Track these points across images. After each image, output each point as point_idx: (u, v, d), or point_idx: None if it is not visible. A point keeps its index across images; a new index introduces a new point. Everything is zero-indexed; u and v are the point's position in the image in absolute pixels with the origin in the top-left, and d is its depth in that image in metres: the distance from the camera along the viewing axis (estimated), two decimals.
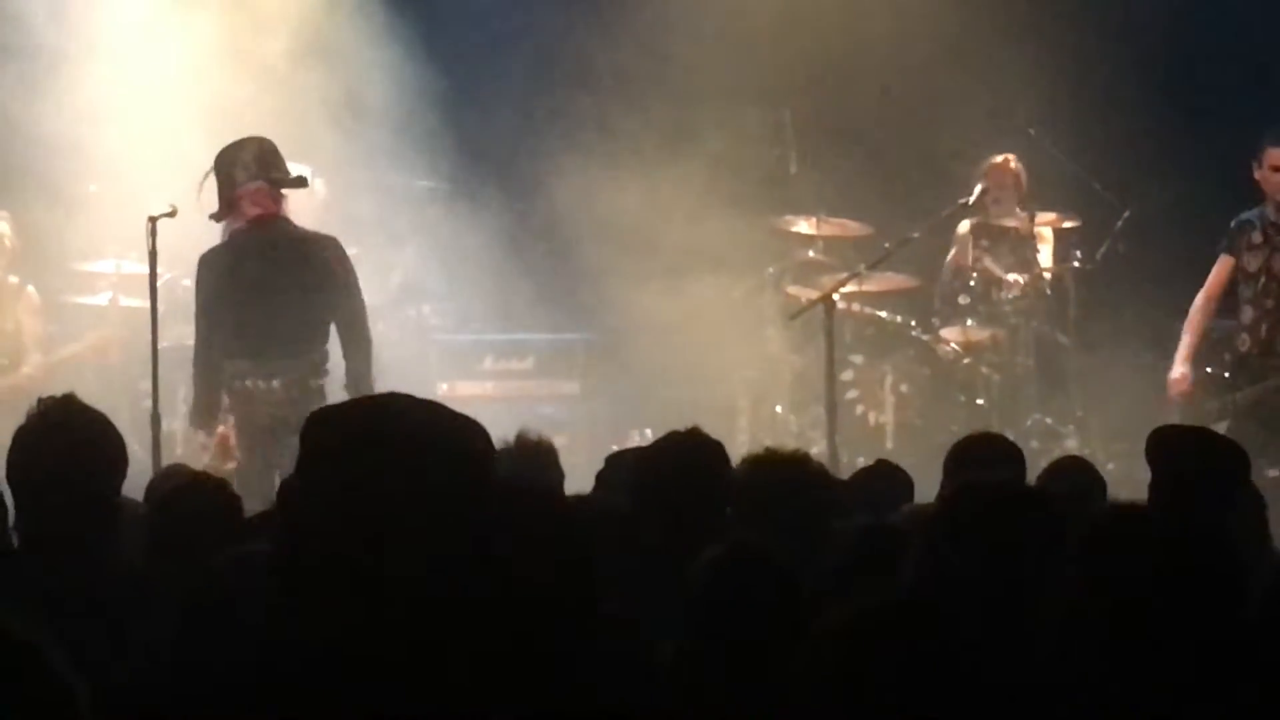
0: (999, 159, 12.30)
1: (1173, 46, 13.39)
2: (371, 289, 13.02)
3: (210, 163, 9.75)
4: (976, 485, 4.44)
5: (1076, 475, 6.51)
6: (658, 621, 4.43)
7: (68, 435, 4.83)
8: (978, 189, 11.94)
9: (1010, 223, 12.28)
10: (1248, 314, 10.73)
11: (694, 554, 4.59)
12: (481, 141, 13.44)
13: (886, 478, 6.75)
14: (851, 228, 12.94)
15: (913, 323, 12.66)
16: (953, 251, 12.54)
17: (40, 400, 4.95)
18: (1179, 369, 10.88)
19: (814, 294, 11.98)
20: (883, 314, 12.73)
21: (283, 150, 12.25)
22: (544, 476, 6.00)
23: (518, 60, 13.48)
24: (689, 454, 5.67)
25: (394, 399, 2.89)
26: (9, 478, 4.87)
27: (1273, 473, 9.70)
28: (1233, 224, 10.88)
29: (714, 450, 5.72)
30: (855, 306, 12.56)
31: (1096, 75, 12.97)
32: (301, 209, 12.55)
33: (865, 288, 12.36)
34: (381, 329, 13.09)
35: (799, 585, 4.38)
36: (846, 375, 12.43)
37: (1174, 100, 13.30)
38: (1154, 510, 5.05)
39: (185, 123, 11.51)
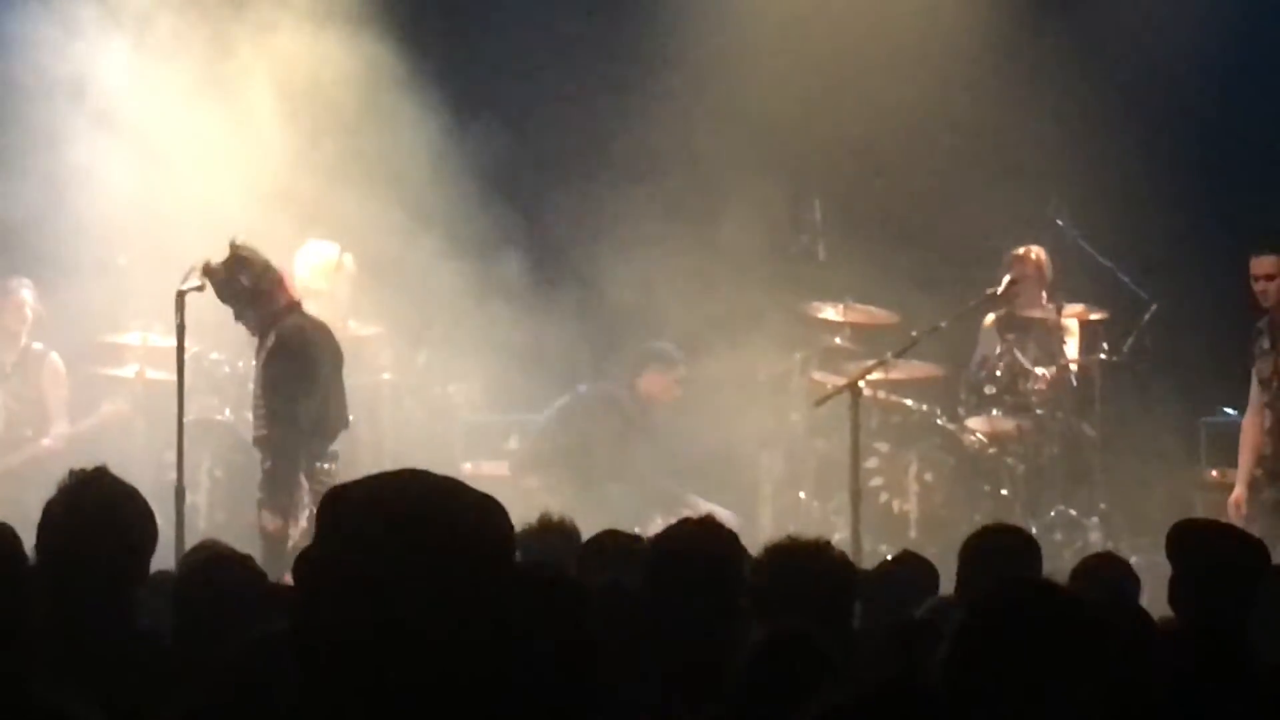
0: (1025, 250, 12.30)
1: (1205, 139, 13.41)
2: (398, 367, 13.11)
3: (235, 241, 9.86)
4: (1009, 585, 4.40)
5: (1108, 572, 6.46)
6: (670, 705, 4.41)
7: (99, 508, 4.84)
8: (1005, 280, 11.93)
9: (1037, 314, 12.27)
10: (1269, 418, 10.81)
11: (708, 639, 4.56)
12: (509, 223, 13.45)
13: (912, 569, 6.72)
14: (878, 315, 12.94)
15: (938, 412, 12.64)
16: (979, 341, 12.53)
17: (71, 472, 4.96)
18: (1238, 490, 10.94)
19: (840, 380, 11.97)
20: (908, 402, 12.71)
21: (311, 227, 12.36)
22: (565, 558, 5.98)
23: (548, 145, 13.52)
24: (702, 541, 5.63)
25: (414, 476, 2.87)
26: (40, 550, 4.88)
27: None
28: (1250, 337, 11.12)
29: (727, 539, 5.68)
30: (881, 394, 12.55)
31: (1126, 167, 12.97)
32: (333, 287, 12.65)
33: (891, 375, 12.34)
34: (408, 407, 13.16)
35: (839, 669, 4.36)
36: (871, 463, 12.40)
37: (1204, 193, 13.31)
38: (1174, 605, 5.02)
39: (215, 197, 11.57)
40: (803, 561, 5.56)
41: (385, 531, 2.77)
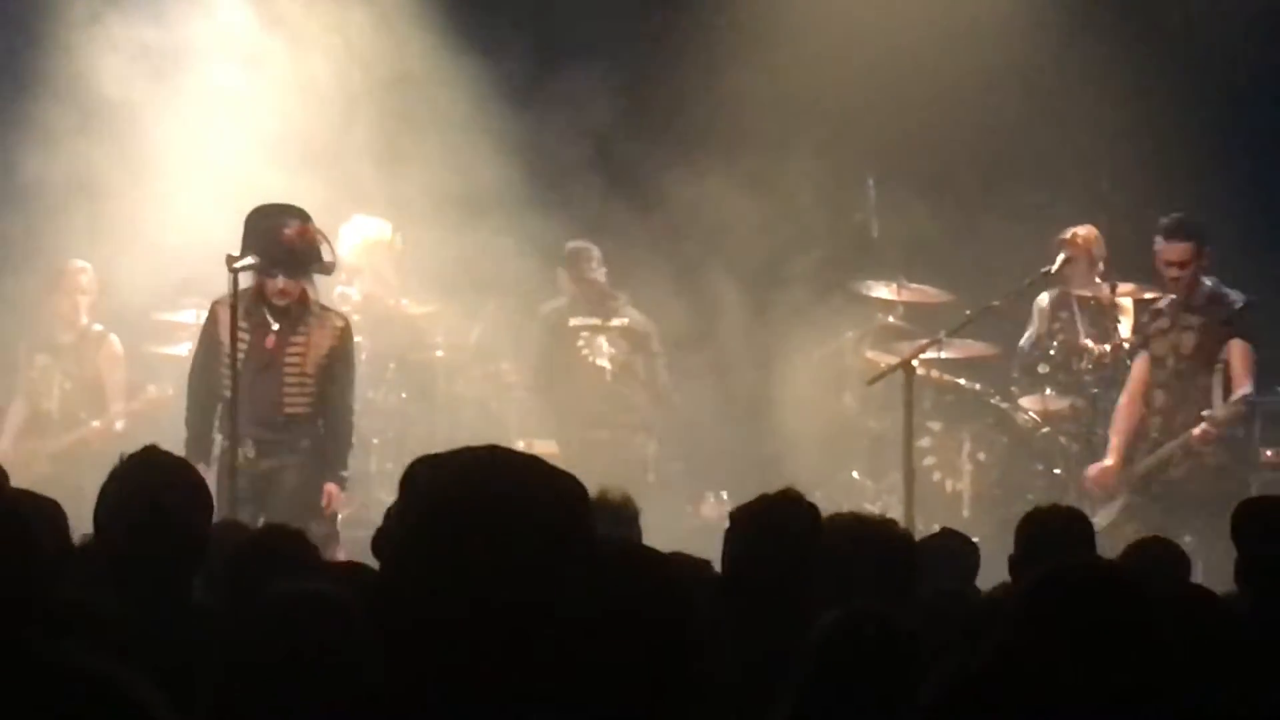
0: (1080, 230, 12.24)
1: (1266, 115, 13.34)
2: (451, 345, 13.13)
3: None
4: (1068, 569, 4.39)
5: (1159, 553, 6.43)
6: (749, 685, 4.39)
7: (153, 486, 4.86)
8: (1059, 259, 11.88)
9: (1091, 293, 12.22)
10: (1159, 398, 10.89)
11: (787, 617, 4.53)
12: (562, 198, 13.46)
13: (953, 546, 6.70)
14: (932, 294, 12.91)
15: (992, 391, 12.60)
16: (1033, 320, 12.49)
17: (122, 455, 4.99)
18: (1111, 461, 11.08)
19: (893, 359, 11.94)
20: (962, 381, 12.68)
21: (362, 204, 12.37)
22: (626, 536, 5.96)
23: (600, 119, 13.50)
24: (783, 516, 5.59)
25: (495, 453, 2.87)
26: (97, 530, 4.91)
27: (1188, 539, 9.76)
28: (1140, 320, 11.37)
29: (809, 513, 5.65)
30: (934, 373, 12.52)
31: (1182, 144, 12.90)
32: (382, 264, 12.68)
33: (945, 354, 12.31)
34: (461, 384, 13.18)
35: (920, 648, 4.32)
36: (924, 442, 12.37)
37: (1262, 170, 13.25)
38: (1239, 583, 4.99)
39: (270, 175, 11.61)
40: (867, 537, 5.53)
41: (469, 507, 2.78)
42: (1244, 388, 10.76)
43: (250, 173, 11.88)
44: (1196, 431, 10.75)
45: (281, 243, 9.70)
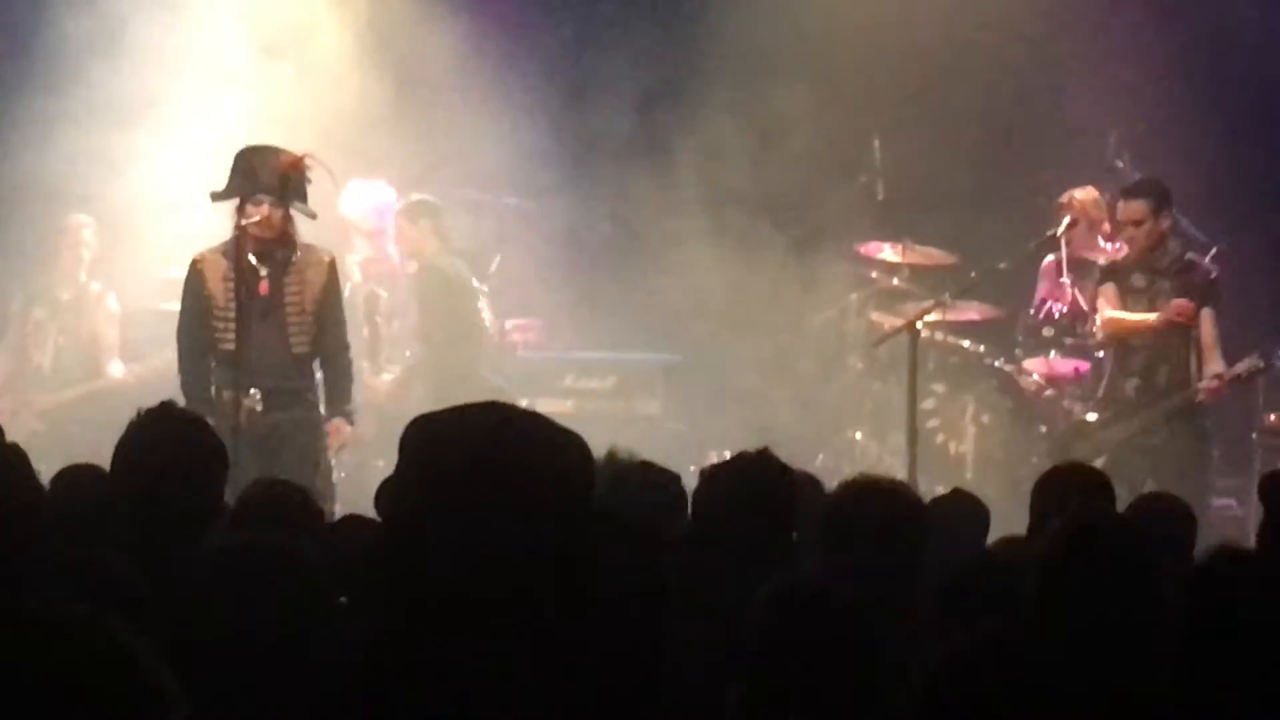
0: (1077, 193, 12.23)
1: (1267, 82, 13.32)
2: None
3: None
4: (1087, 520, 4.42)
5: (1163, 509, 6.44)
6: (710, 639, 4.39)
7: (172, 442, 4.88)
8: (1065, 221, 11.87)
9: (1096, 256, 12.22)
10: (1136, 360, 11.08)
11: (750, 573, 4.53)
12: (569, 161, 13.47)
13: (963, 507, 6.71)
14: (937, 256, 12.89)
15: (996, 353, 12.61)
16: (1038, 283, 12.48)
17: (139, 410, 5.00)
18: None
19: (898, 321, 11.95)
20: (966, 343, 12.68)
21: (366, 165, 12.33)
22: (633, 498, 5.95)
23: (606, 82, 13.50)
24: (754, 476, 5.59)
25: (497, 410, 2.87)
26: (115, 486, 4.92)
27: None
28: (1101, 265, 11.38)
29: (779, 473, 5.63)
30: (939, 335, 12.52)
31: (1185, 108, 12.89)
32: (385, 226, 12.66)
33: (949, 317, 12.32)
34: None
35: (869, 623, 4.29)
36: (928, 404, 12.38)
37: (1266, 136, 13.23)
38: (1261, 546, 5.02)
39: (269, 135, 11.59)
40: (878, 499, 5.53)
41: (470, 464, 2.77)
42: (1217, 358, 10.82)
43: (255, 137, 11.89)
44: (1205, 384, 10.78)
45: (270, 167, 9.53)
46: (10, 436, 4.98)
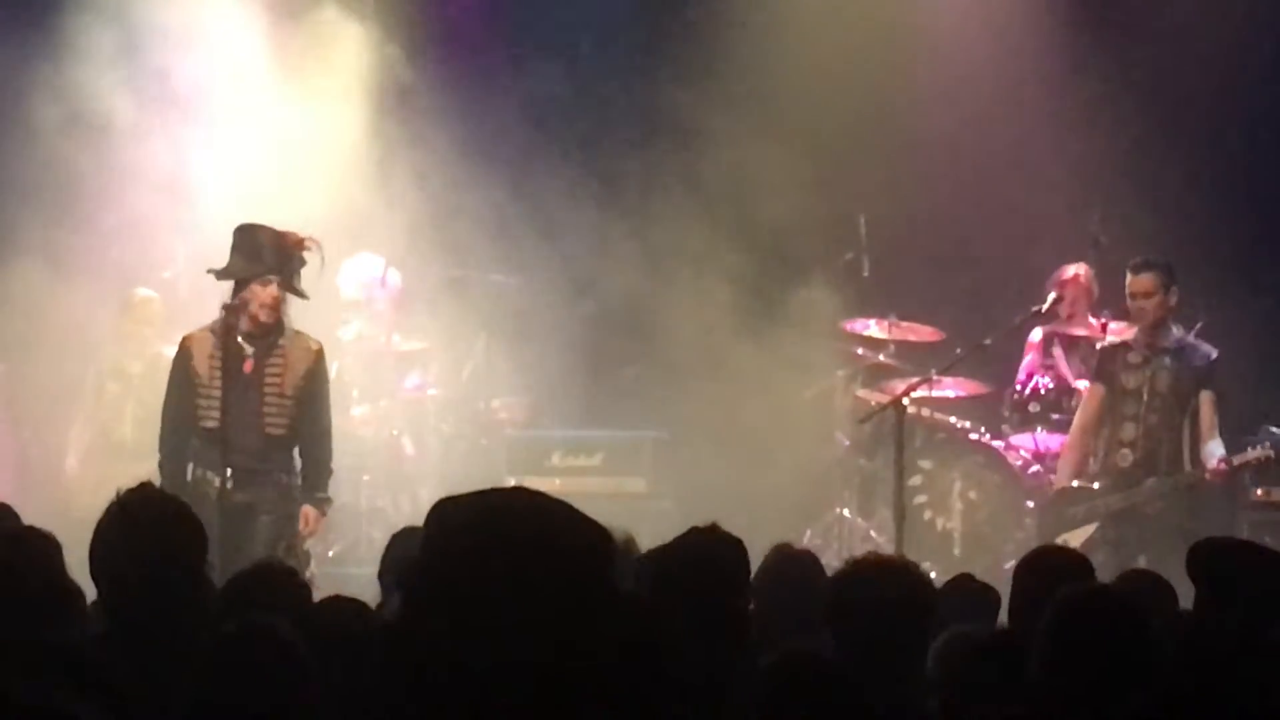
0: (1071, 269, 12.29)
1: (1250, 154, 13.38)
2: (442, 382, 13.15)
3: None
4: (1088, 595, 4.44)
5: (1146, 587, 6.44)
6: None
7: (149, 523, 4.86)
8: (1050, 297, 11.92)
9: (1082, 331, 12.25)
10: (1129, 430, 10.90)
11: (713, 650, 4.52)
12: (553, 239, 13.50)
13: (972, 594, 6.66)
14: (923, 332, 12.92)
15: (983, 429, 12.62)
16: (1025, 359, 12.52)
17: (119, 491, 4.98)
18: (1063, 481, 11.26)
19: (884, 398, 11.97)
20: (953, 419, 12.70)
21: (356, 241, 12.36)
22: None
23: (590, 161, 13.55)
24: (708, 550, 5.55)
25: (521, 495, 2.86)
26: (93, 571, 4.89)
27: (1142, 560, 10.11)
28: (1100, 350, 11.39)
29: (733, 548, 5.60)
30: (925, 411, 12.53)
31: (1168, 183, 12.95)
32: (374, 300, 12.69)
33: (936, 393, 12.33)
34: (452, 422, 13.19)
35: (864, 695, 4.29)
36: (915, 480, 12.38)
37: (1249, 209, 13.28)
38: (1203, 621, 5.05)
39: (261, 213, 11.62)
40: (888, 578, 5.50)
41: (493, 550, 2.77)
42: (1216, 440, 10.87)
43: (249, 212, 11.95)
44: (1213, 466, 10.81)
45: (272, 247, 9.64)
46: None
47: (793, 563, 6.30)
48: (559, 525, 2.82)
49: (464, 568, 2.77)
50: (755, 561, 5.24)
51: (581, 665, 2.76)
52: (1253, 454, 10.91)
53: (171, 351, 12.03)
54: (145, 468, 11.86)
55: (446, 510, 2.85)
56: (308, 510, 9.81)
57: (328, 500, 9.99)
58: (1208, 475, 10.83)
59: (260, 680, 3.98)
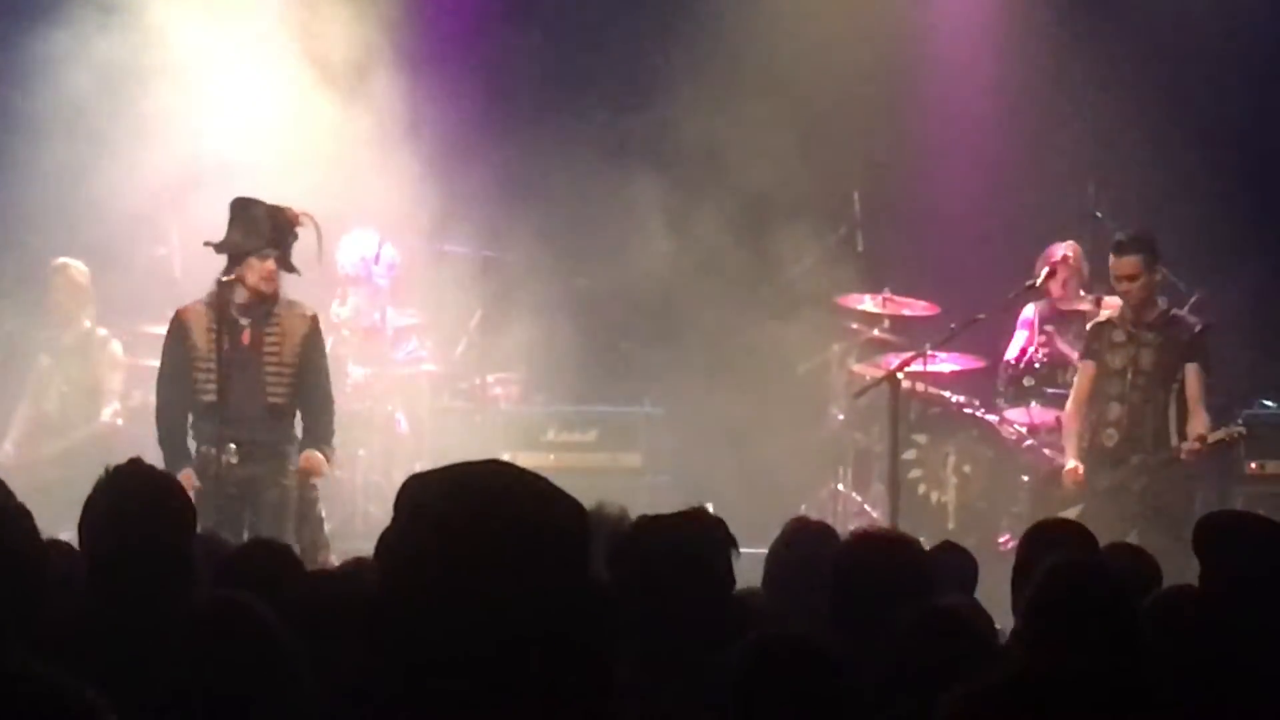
0: (1060, 249, 12.29)
1: (1245, 130, 13.39)
2: (437, 358, 13.15)
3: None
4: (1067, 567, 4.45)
5: (1131, 561, 6.45)
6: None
7: (139, 500, 4.86)
8: (1044, 272, 11.93)
9: (1077, 306, 12.26)
10: (1114, 410, 10.92)
11: (689, 634, 4.54)
12: (548, 214, 13.49)
13: (953, 560, 6.69)
14: (918, 307, 12.93)
15: (977, 403, 12.63)
16: (1019, 333, 12.53)
17: (107, 468, 4.98)
18: (1073, 462, 11.10)
19: (879, 372, 11.98)
20: (947, 394, 12.71)
21: (353, 218, 12.35)
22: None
23: (585, 136, 13.54)
24: (680, 532, 5.52)
25: (497, 469, 2.86)
26: (84, 546, 4.90)
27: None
28: (1089, 328, 11.29)
29: (711, 529, 5.56)
30: (920, 386, 12.55)
31: (1164, 157, 12.95)
32: (371, 275, 12.70)
33: (930, 367, 12.35)
34: (446, 397, 13.20)
35: (840, 670, 4.28)
36: (909, 454, 12.40)
37: (1244, 183, 13.29)
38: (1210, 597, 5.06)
39: (253, 190, 11.63)
40: (887, 551, 5.52)
41: (464, 525, 2.77)
42: (1201, 414, 10.86)
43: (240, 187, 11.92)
44: (1188, 446, 10.80)
45: (271, 222, 9.69)
46: (31, 489, 4.90)
47: (809, 535, 6.31)
48: (528, 499, 2.81)
49: (434, 545, 2.77)
50: (743, 537, 5.20)
51: (540, 644, 2.76)
52: (1223, 431, 10.92)
53: (104, 332, 12.06)
54: (69, 443, 11.94)
55: (416, 485, 2.85)
56: (309, 453, 9.85)
57: (331, 450, 10.02)
58: (1181, 453, 10.81)
59: (234, 657, 4.02)
